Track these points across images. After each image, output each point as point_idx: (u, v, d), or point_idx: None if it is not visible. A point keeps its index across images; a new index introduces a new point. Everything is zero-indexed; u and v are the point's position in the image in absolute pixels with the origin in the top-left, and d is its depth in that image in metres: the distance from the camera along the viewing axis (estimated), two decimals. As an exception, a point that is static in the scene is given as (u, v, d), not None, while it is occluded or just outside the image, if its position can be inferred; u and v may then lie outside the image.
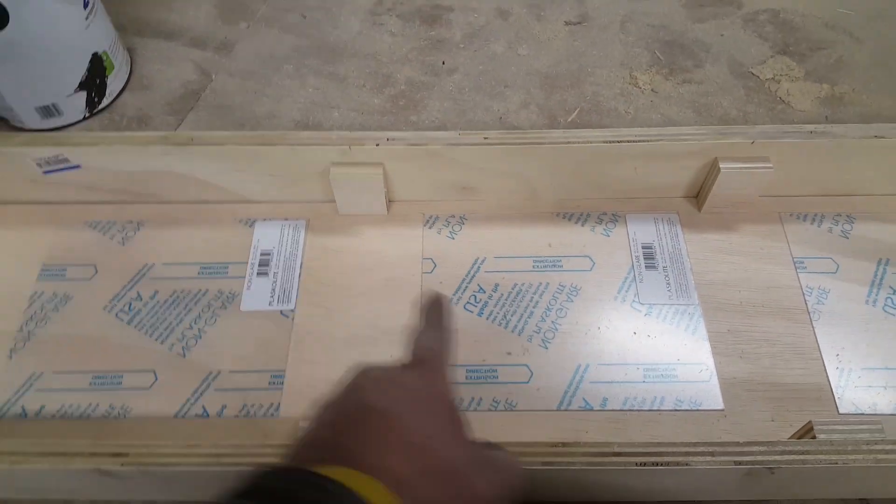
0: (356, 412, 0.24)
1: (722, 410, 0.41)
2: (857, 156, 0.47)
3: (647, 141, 0.46)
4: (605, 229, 0.50)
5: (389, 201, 0.51)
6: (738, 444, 0.32)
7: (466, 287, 0.47)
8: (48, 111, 0.60)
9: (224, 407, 0.42)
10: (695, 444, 0.32)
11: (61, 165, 0.50)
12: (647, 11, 0.69)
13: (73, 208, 0.52)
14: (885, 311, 0.45)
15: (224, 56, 0.67)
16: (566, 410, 0.41)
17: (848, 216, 0.49)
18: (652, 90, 0.62)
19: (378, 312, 0.46)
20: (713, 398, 0.41)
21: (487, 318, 0.46)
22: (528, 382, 0.43)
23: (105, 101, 0.63)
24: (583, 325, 0.45)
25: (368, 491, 0.20)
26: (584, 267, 0.48)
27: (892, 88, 0.61)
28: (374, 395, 0.24)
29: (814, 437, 0.34)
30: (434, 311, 0.32)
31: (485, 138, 0.46)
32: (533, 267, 0.48)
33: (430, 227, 0.51)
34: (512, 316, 0.46)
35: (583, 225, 0.50)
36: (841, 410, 0.40)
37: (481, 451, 0.26)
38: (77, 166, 0.49)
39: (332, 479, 0.20)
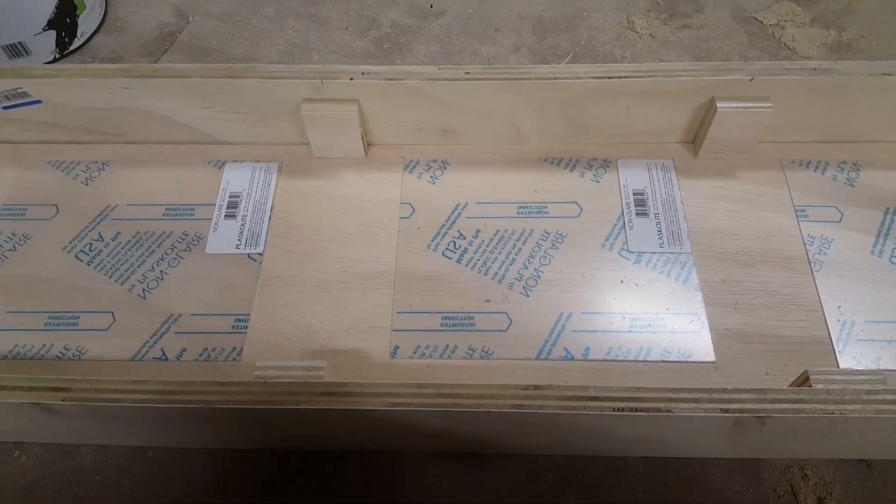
0: None
1: (713, 363, 0.38)
2: (863, 96, 0.43)
3: (640, 77, 0.42)
4: (594, 175, 0.47)
5: (368, 144, 0.49)
6: (725, 390, 0.30)
7: (446, 233, 0.45)
8: (15, 50, 0.57)
9: (184, 350, 0.40)
10: (678, 391, 0.30)
11: (21, 100, 0.47)
12: (649, -46, 0.65)
13: (35, 147, 0.50)
14: (892, 262, 0.42)
15: (202, -3, 0.64)
16: (546, 360, 0.39)
17: (854, 163, 0.46)
18: (650, 35, 0.58)
19: (351, 258, 0.44)
20: (704, 350, 0.39)
21: (467, 265, 0.43)
22: (506, 331, 0.40)
23: (76, 43, 0.60)
24: (567, 272, 0.43)
25: None
26: (571, 213, 0.45)
27: (906, 34, 0.57)
28: None
29: (810, 387, 0.31)
30: None
31: (466, 73, 0.43)
32: (517, 213, 0.45)
33: (410, 172, 0.48)
34: (493, 263, 0.43)
35: (571, 170, 0.47)
36: (841, 364, 0.38)
37: None
38: (38, 101, 0.47)
39: None
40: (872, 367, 0.37)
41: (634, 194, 0.46)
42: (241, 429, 0.35)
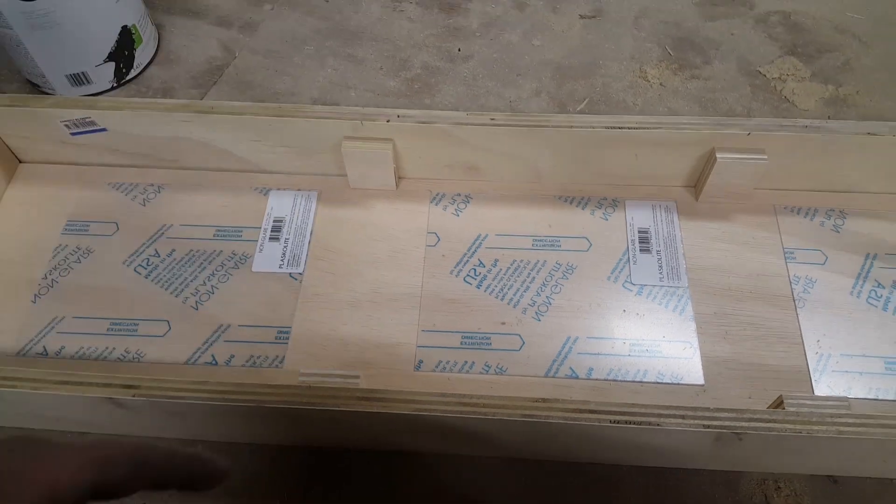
0: None
1: (702, 385, 0.43)
2: (850, 152, 0.48)
3: (648, 128, 0.47)
4: (604, 213, 0.52)
5: (399, 178, 0.54)
6: (708, 409, 0.34)
7: (468, 261, 0.50)
8: (78, 79, 0.63)
9: (232, 357, 0.45)
10: (667, 408, 0.34)
11: (89, 128, 0.53)
12: (661, 8, 0.70)
13: (98, 170, 0.55)
14: (868, 303, 0.46)
15: (248, 35, 0.70)
16: (553, 377, 0.44)
17: (841, 212, 0.51)
18: (660, 84, 0.64)
19: (382, 280, 0.49)
20: (694, 373, 0.43)
21: (485, 291, 0.48)
22: (518, 350, 0.45)
23: (132, 73, 0.66)
24: (576, 301, 0.47)
25: None
26: (581, 247, 0.50)
27: (895, 92, 0.62)
28: None
29: (783, 409, 0.36)
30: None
31: (492, 119, 0.49)
32: (532, 245, 0.50)
33: (436, 204, 0.53)
34: (509, 290, 0.48)
35: (583, 209, 0.52)
36: (816, 392, 0.42)
37: None
38: (103, 129, 0.52)
39: None
40: (843, 395, 0.42)
41: (639, 232, 0.50)
42: (282, 427, 0.39)
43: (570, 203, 0.52)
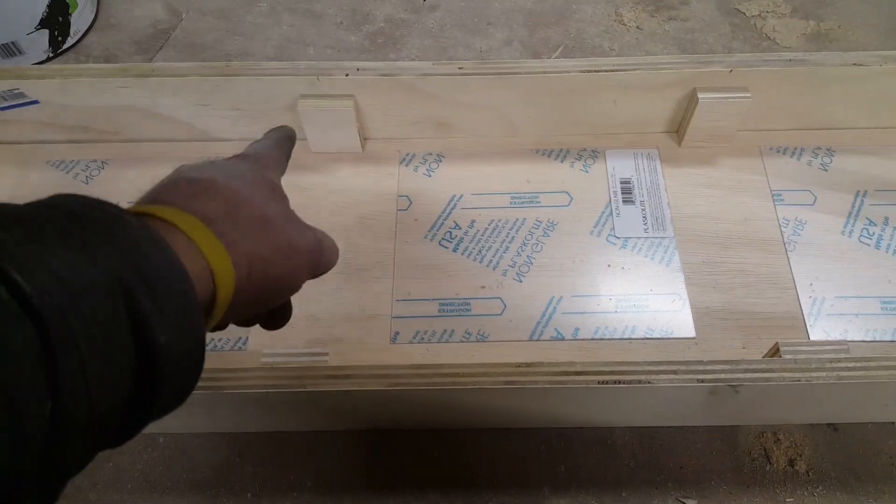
0: (171, 180, 0.24)
1: (693, 338, 0.41)
2: (835, 85, 0.46)
3: (625, 70, 0.44)
4: (584, 165, 0.49)
5: (364, 139, 0.50)
6: (701, 362, 0.32)
7: (442, 224, 0.47)
8: (8, 50, 0.58)
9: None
10: (658, 363, 0.32)
11: (18, 101, 0.48)
12: (633, -53, 0.67)
13: (34, 148, 0.51)
14: (861, 242, 0.44)
15: (195, -6, 0.65)
16: (538, 340, 0.41)
17: (828, 149, 0.48)
18: (637, 27, 0.60)
19: (351, 249, 0.45)
20: (685, 326, 0.41)
21: (463, 254, 0.45)
22: (500, 315, 0.42)
23: (69, 41, 0.61)
24: (558, 258, 0.45)
25: (170, 215, 0.20)
26: (561, 202, 0.47)
27: (878, 24, 0.59)
28: (194, 170, 0.24)
29: (780, 358, 0.34)
30: (275, 132, 0.33)
31: (459, 68, 0.45)
32: (510, 203, 0.47)
33: (406, 165, 0.50)
34: (487, 251, 0.45)
35: (562, 161, 0.49)
36: (812, 337, 0.40)
37: (299, 219, 0.27)
38: (35, 102, 0.48)
39: (117, 205, 0.19)
40: (840, 338, 0.40)
41: (622, 182, 0.48)
42: (246, 413, 0.37)
43: (549, 156, 0.49)
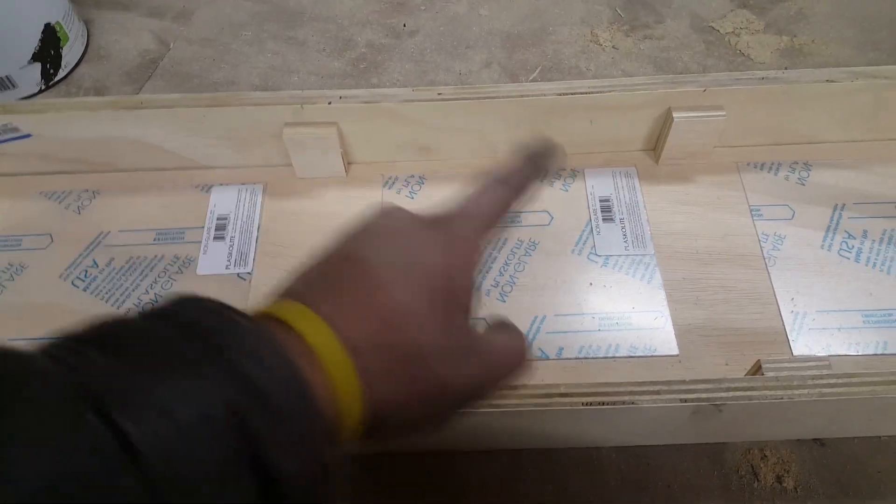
0: (337, 260, 0.21)
1: (676, 356, 0.41)
2: (810, 101, 0.46)
3: (600, 92, 0.45)
4: (563, 184, 0.50)
5: (348, 163, 0.51)
6: (683, 381, 0.32)
7: (426, 245, 0.47)
8: (2, 83, 0.59)
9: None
10: (641, 384, 0.32)
11: (12, 135, 0.49)
12: (610, -31, 0.68)
13: (27, 179, 0.51)
14: (840, 255, 0.45)
15: (182, 24, 0.66)
16: (522, 361, 0.42)
17: (805, 164, 0.49)
18: (613, 47, 0.61)
19: (337, 273, 0.46)
20: (668, 344, 0.41)
21: (446, 275, 0.46)
22: (485, 335, 0.43)
23: (61, 73, 0.62)
24: (540, 278, 0.45)
25: (305, 326, 0.18)
26: (542, 222, 0.48)
27: (850, 39, 0.61)
28: (365, 245, 0.21)
29: (762, 375, 0.34)
30: (532, 161, 0.26)
31: (439, 94, 0.46)
32: (492, 224, 0.48)
33: (389, 188, 0.50)
34: (471, 272, 0.46)
35: (541, 181, 0.50)
36: (795, 353, 0.41)
37: (470, 338, 0.22)
38: (28, 136, 0.49)
39: (245, 314, 0.18)
40: (823, 353, 0.40)
41: (601, 201, 0.49)
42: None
43: (530, 176, 0.50)
